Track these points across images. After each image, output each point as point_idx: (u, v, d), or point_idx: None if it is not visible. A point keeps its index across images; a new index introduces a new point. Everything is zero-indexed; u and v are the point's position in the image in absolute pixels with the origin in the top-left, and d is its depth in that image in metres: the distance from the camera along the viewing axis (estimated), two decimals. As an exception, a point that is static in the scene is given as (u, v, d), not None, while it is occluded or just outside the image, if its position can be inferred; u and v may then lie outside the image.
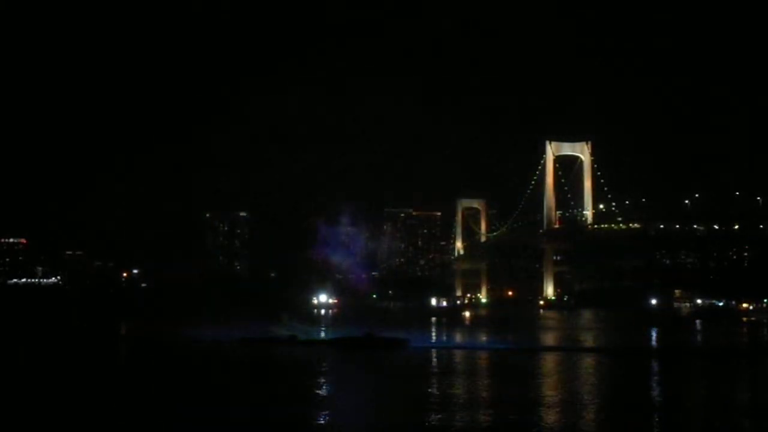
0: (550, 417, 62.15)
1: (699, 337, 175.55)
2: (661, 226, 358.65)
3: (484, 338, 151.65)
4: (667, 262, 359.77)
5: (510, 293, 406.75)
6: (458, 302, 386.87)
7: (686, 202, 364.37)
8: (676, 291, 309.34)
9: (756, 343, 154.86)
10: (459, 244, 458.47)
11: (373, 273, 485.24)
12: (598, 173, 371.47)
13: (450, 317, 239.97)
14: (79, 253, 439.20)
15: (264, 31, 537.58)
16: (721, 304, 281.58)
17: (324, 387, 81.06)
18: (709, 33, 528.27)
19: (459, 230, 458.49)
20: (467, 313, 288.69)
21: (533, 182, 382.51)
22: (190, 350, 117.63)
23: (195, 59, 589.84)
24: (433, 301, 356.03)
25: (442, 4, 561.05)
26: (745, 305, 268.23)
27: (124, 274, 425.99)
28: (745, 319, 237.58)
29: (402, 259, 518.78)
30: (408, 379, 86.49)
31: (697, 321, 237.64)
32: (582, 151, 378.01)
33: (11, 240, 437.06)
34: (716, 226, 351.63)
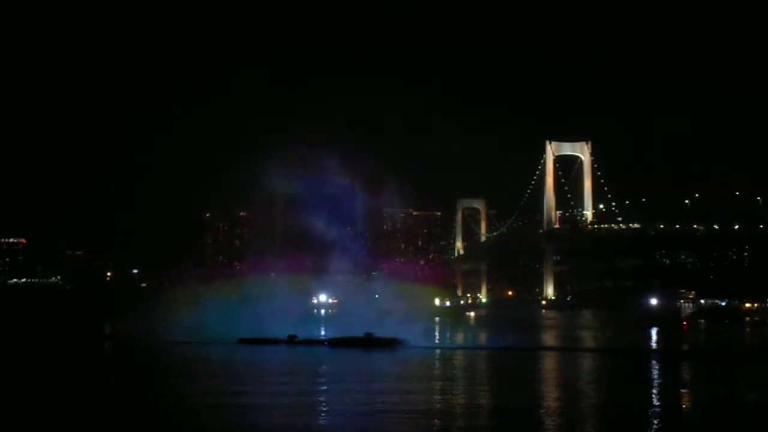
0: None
1: (701, 338, 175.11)
2: (661, 226, 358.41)
3: (485, 338, 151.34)
4: (667, 262, 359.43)
5: (510, 293, 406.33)
6: (461, 302, 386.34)
7: (686, 202, 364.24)
8: (680, 291, 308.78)
9: (758, 345, 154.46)
10: (459, 244, 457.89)
11: (373, 273, 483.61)
12: (598, 173, 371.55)
13: (454, 317, 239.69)
14: (78, 253, 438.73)
15: (261, 29, 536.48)
16: (723, 304, 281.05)
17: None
18: (708, 32, 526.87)
19: (459, 230, 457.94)
20: (472, 313, 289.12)
21: (533, 182, 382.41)
22: (187, 351, 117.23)
23: (193, 56, 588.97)
24: (437, 301, 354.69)
25: (441, 3, 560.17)
26: (747, 305, 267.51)
27: (109, 274, 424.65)
28: (747, 318, 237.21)
29: (402, 259, 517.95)
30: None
31: (700, 321, 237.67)
32: (582, 151, 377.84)
33: (11, 240, 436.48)
34: (716, 226, 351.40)
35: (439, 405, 68.18)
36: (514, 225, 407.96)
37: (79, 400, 68.83)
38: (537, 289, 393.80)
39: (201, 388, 76.78)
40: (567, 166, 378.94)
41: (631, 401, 68.53)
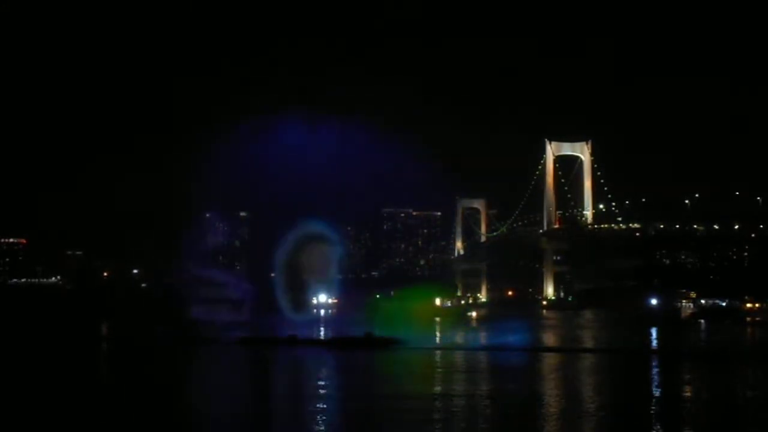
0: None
1: (702, 338, 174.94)
2: (661, 226, 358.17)
3: (484, 339, 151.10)
4: (667, 262, 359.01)
5: (510, 293, 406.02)
6: (462, 302, 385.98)
7: (686, 202, 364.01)
8: (680, 291, 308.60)
9: (759, 345, 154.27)
10: (459, 244, 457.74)
11: (373, 273, 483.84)
12: (598, 173, 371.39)
13: (455, 317, 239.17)
14: (78, 253, 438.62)
15: (261, 31, 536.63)
16: (724, 304, 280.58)
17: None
18: (708, 32, 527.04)
19: (459, 230, 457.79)
20: (473, 313, 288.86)
21: (533, 182, 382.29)
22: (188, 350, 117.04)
23: (193, 56, 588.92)
24: (438, 301, 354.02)
25: (441, 3, 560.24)
26: (749, 305, 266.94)
27: (105, 273, 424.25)
28: (749, 319, 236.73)
29: (402, 259, 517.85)
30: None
31: (701, 321, 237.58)
32: (582, 151, 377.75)
33: (11, 240, 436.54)
34: (716, 226, 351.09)
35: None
36: (514, 225, 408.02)
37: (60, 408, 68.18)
38: (531, 290, 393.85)
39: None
40: (567, 166, 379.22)
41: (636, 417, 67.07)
